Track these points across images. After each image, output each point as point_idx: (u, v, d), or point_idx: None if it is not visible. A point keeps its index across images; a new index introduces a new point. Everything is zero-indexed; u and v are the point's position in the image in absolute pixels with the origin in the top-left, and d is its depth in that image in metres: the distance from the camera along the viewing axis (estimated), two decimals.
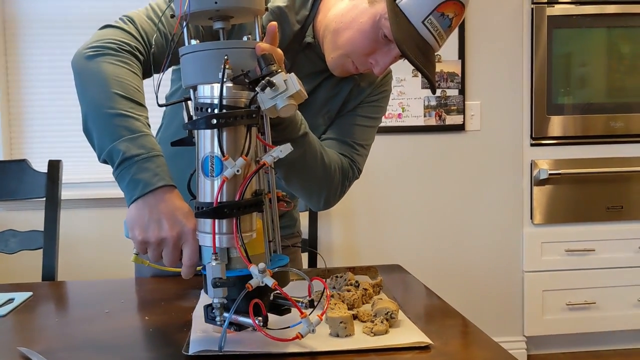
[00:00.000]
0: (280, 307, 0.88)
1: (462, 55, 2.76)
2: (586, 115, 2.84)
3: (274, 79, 0.79)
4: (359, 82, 1.27)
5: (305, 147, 1.09)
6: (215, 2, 0.83)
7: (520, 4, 2.78)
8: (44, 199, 1.63)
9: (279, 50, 0.90)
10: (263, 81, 0.79)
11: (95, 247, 2.64)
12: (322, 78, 1.24)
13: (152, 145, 0.94)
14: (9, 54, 2.60)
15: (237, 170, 0.79)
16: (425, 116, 2.76)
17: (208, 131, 0.81)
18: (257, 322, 0.80)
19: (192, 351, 0.84)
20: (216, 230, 0.80)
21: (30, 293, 1.20)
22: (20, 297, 1.17)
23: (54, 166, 1.65)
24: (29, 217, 2.46)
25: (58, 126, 2.64)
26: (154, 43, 1.08)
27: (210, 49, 0.84)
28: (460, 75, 2.76)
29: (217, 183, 0.81)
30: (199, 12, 0.84)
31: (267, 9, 1.03)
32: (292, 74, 0.81)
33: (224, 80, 0.80)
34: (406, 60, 1.08)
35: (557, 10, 2.75)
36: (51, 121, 2.64)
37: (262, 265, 0.78)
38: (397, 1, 1.06)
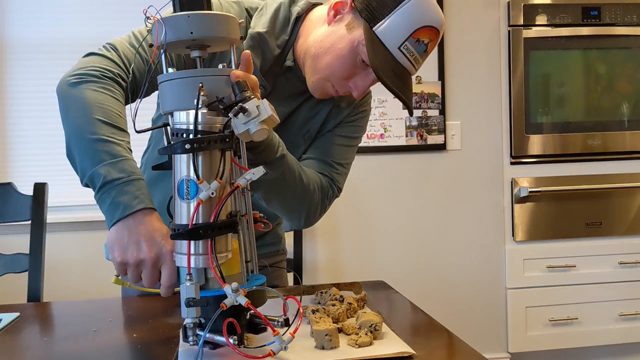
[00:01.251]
0: (257, 325, 0.90)
1: (442, 76, 2.82)
2: (564, 133, 2.90)
3: (247, 105, 0.82)
4: (338, 103, 1.29)
5: (283, 168, 1.12)
6: (191, 32, 0.86)
7: (497, 27, 2.86)
8: (29, 221, 1.64)
9: (253, 77, 0.92)
10: (236, 107, 0.82)
11: (80, 270, 2.63)
12: (302, 100, 1.27)
13: (132, 169, 0.97)
14: None
15: (212, 193, 0.82)
16: (407, 136, 2.81)
17: (184, 155, 0.84)
18: (231, 341, 0.81)
19: None
20: (192, 252, 0.82)
21: (18, 314, 1.21)
22: (8, 317, 1.18)
23: (40, 189, 1.66)
24: (14, 240, 2.45)
25: (43, 150, 2.65)
26: (135, 70, 1.11)
27: (185, 77, 0.87)
28: (440, 95, 2.82)
29: (192, 205, 0.83)
30: (175, 42, 0.88)
31: (243, 37, 1.06)
32: (265, 99, 0.84)
33: (199, 106, 0.83)
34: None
35: (533, 32, 2.84)
36: (36, 145, 2.64)
37: (234, 284, 0.80)
38: (374, 28, 1.09)
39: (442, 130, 2.83)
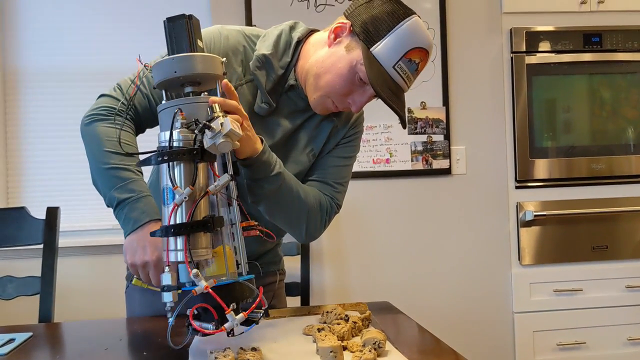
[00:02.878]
0: (248, 319, 0.98)
1: (446, 102, 2.86)
2: (569, 158, 2.93)
3: (212, 123, 0.96)
4: (337, 124, 1.39)
5: (280, 183, 1.22)
6: (175, 72, 1.01)
7: (500, 53, 2.91)
8: (42, 245, 1.67)
9: (229, 101, 1.06)
10: (200, 125, 0.96)
11: (90, 295, 2.66)
12: (304, 118, 1.37)
13: (140, 188, 1.17)
14: (8, 105, 2.68)
15: (185, 197, 0.95)
16: (412, 161, 2.84)
17: (164, 167, 0.97)
18: (196, 324, 0.95)
19: None
20: (172, 247, 0.96)
21: (30, 333, 1.24)
22: (21, 337, 1.21)
23: (52, 213, 1.70)
24: (26, 265, 2.48)
25: (55, 175, 2.70)
26: (136, 104, 1.29)
27: (170, 106, 1.02)
28: (445, 121, 2.86)
29: (170, 209, 0.97)
30: (166, 81, 1.03)
31: (225, 73, 1.15)
32: (228, 117, 0.98)
33: (175, 127, 0.98)
34: (383, 102, 1.21)
35: (536, 58, 2.88)
36: (48, 170, 2.70)
37: (195, 271, 0.92)
38: (371, 49, 1.20)
39: (447, 155, 2.87)
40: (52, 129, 2.70)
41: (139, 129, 1.33)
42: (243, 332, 0.99)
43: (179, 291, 0.97)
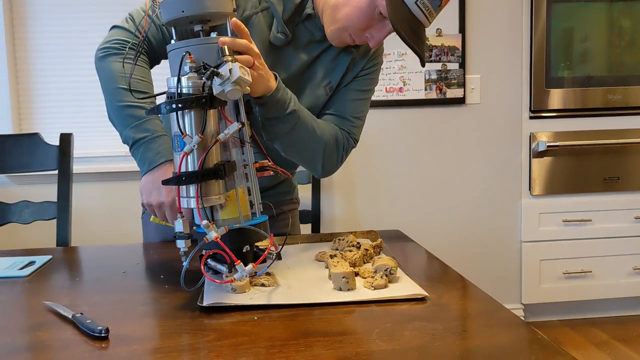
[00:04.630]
0: (257, 258, 1.00)
1: (462, 29, 2.79)
2: (585, 88, 2.88)
3: (221, 69, 0.93)
4: (355, 56, 1.34)
5: (296, 121, 1.19)
6: (182, 11, 0.99)
7: None
8: (56, 171, 1.69)
9: (240, 40, 1.02)
10: (208, 72, 0.93)
11: (104, 220, 2.71)
12: (321, 49, 1.32)
13: (155, 127, 1.17)
14: (17, 31, 2.64)
15: (194, 146, 0.94)
16: (426, 90, 2.80)
17: (174, 115, 0.95)
18: (211, 263, 0.97)
19: (206, 302, 0.91)
20: (184, 195, 0.96)
21: (50, 257, 1.27)
22: (41, 260, 1.24)
23: (65, 139, 1.70)
24: (41, 190, 2.52)
25: (67, 102, 2.69)
26: (150, 36, 1.25)
27: (178, 48, 1.00)
28: (460, 49, 2.80)
29: (180, 157, 0.96)
30: (174, 20, 1.01)
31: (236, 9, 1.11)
32: (236, 63, 0.95)
33: (181, 72, 0.96)
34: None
35: None
36: (60, 97, 2.69)
37: (205, 222, 0.92)
38: None
39: (462, 84, 2.82)
40: (63, 54, 2.67)
41: (154, 62, 1.30)
42: (256, 275, 1.00)
43: (193, 229, 0.98)
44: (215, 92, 0.94)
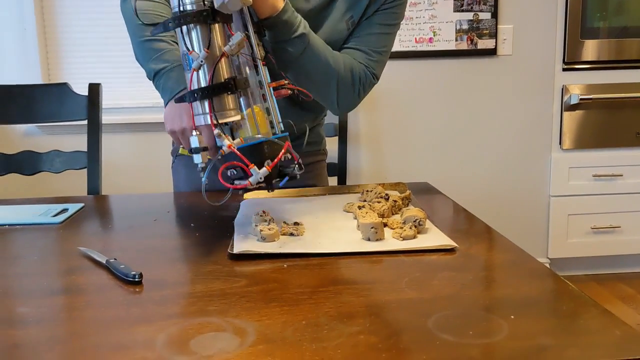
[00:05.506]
0: (283, 173, 0.99)
1: None
2: (620, 39, 2.78)
3: None
4: None
5: (305, 46, 1.16)
6: None
7: None
8: (85, 122, 1.70)
9: None
10: None
11: (133, 171, 2.75)
12: None
13: (174, 57, 1.17)
14: None
15: (201, 61, 0.94)
16: (456, 40, 2.74)
17: (179, 33, 0.95)
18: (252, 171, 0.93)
19: (236, 250, 0.92)
20: (199, 112, 0.96)
21: (82, 204, 1.29)
22: (73, 207, 1.26)
23: (94, 89, 1.71)
24: (71, 140, 2.55)
25: (94, 52, 2.70)
26: None
27: None
28: None
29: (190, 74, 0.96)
30: None
31: None
32: None
33: None
34: None
35: None
36: (87, 47, 2.69)
37: (217, 131, 0.94)
38: None
39: (494, 35, 2.75)
40: (89, 3, 2.66)
41: None
42: (280, 186, 0.98)
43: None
44: (216, 5, 0.93)
